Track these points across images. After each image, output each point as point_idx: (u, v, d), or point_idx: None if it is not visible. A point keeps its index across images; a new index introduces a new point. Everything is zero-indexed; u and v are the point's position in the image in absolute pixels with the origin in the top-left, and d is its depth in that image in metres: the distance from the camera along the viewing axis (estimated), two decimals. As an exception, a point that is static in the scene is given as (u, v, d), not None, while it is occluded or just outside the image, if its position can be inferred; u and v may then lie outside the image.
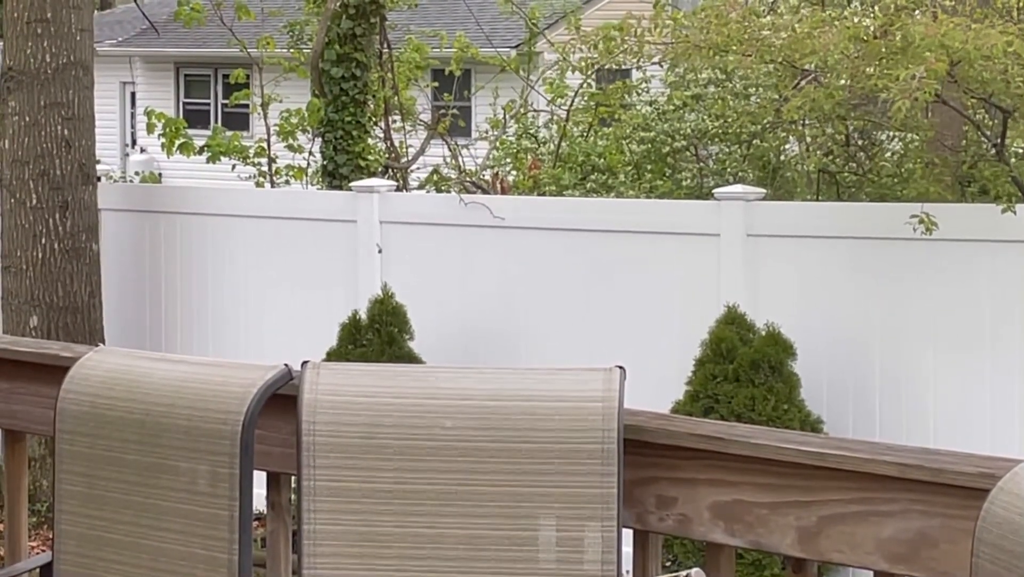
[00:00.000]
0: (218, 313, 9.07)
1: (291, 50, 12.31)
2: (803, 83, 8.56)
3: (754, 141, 10.40)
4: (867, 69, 7.38)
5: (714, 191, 8.16)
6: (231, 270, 9.03)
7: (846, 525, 2.81)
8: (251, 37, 12.20)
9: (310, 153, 11.15)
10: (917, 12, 8.05)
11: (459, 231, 8.36)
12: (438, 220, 8.48)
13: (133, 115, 23.95)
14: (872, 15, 8.19)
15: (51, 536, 3.24)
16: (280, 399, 3.08)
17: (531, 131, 12.08)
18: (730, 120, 10.42)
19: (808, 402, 7.07)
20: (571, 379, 3.01)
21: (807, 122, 9.72)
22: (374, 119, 10.96)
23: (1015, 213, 6.94)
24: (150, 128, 10.84)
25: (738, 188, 8.02)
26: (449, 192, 10.05)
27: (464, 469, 2.93)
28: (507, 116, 11.96)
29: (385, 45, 11.08)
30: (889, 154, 10.33)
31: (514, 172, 11.56)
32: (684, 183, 10.64)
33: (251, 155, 11.08)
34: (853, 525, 2.80)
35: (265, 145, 11.09)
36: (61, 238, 8.75)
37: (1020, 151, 9.10)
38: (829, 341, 7.32)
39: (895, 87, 6.73)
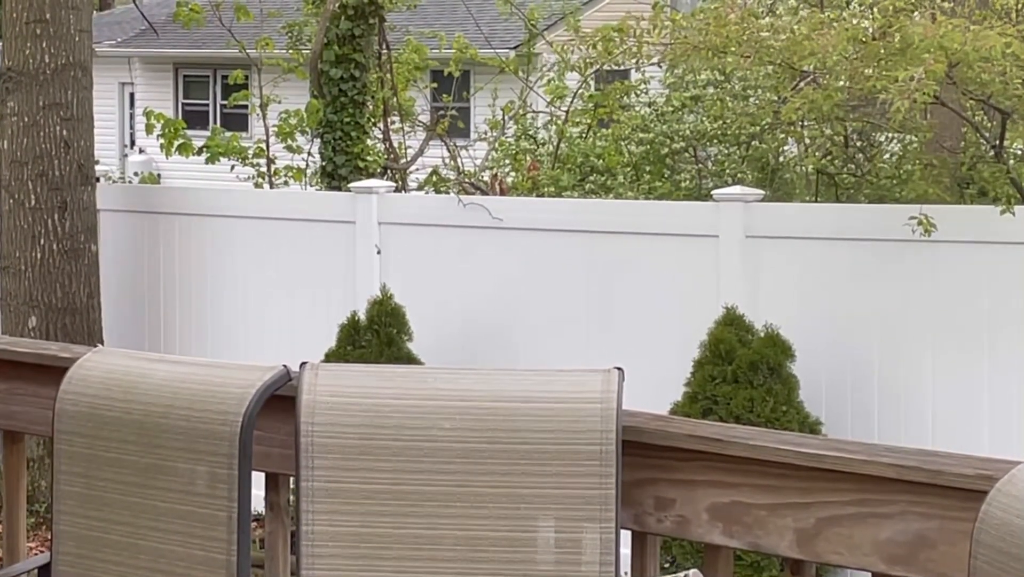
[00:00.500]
0: (217, 314, 9.07)
1: (290, 51, 12.31)
2: (802, 84, 8.56)
3: (753, 142, 10.40)
4: (866, 70, 7.38)
5: (713, 192, 8.16)
6: (230, 271, 9.03)
7: (844, 527, 2.81)
8: (250, 38, 12.20)
9: (309, 154, 11.15)
10: (916, 14, 8.06)
11: (458, 232, 8.36)
12: (437, 221, 8.47)
13: (132, 116, 23.95)
14: (871, 17, 8.18)
15: (49, 537, 3.23)
16: (279, 400, 3.08)
17: (530, 132, 12.08)
18: (729, 121, 10.43)
19: (807, 403, 7.07)
20: (569, 380, 3.02)
21: (806, 123, 9.72)
22: (373, 120, 10.96)
23: (1014, 214, 6.94)
24: (149, 129, 10.84)
25: (737, 189, 8.02)
26: (448, 193, 10.05)
27: (462, 470, 2.93)
28: (506, 117, 11.97)
29: (384, 46, 11.08)
30: (888, 155, 10.34)
31: (513, 173, 11.56)
32: (683, 184, 10.64)
33: (250, 156, 11.08)
34: (851, 527, 2.80)
35: (264, 146, 11.09)
36: (60, 239, 8.75)
37: (1019, 152, 9.10)
38: (828, 342, 7.32)
39: (894, 88, 6.73)
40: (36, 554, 4.15)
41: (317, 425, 2.97)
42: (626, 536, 3.00)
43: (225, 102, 15.65)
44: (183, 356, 6.93)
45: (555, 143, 11.41)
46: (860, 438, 6.83)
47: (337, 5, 10.50)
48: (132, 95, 23.71)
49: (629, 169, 10.86)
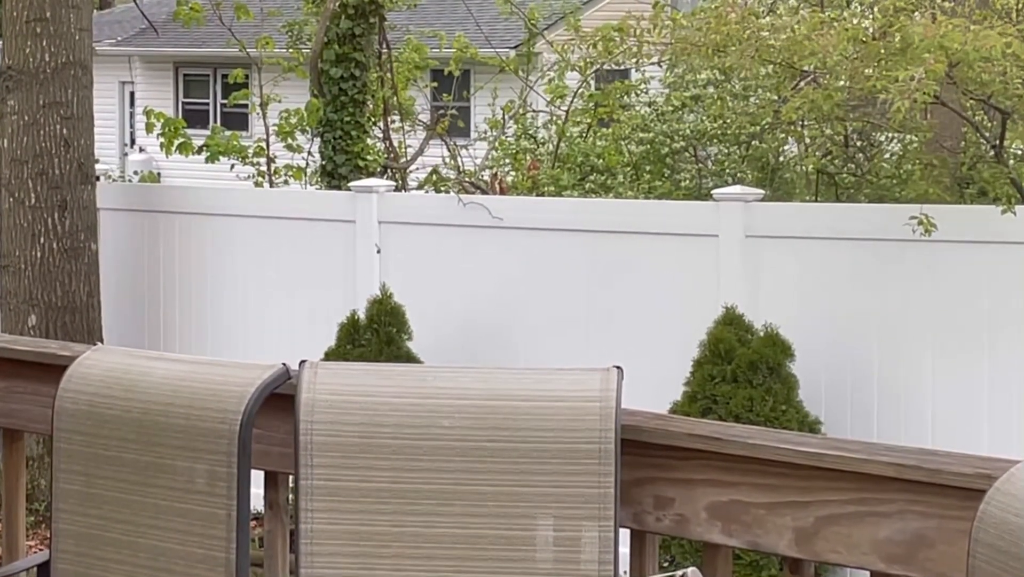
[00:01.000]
0: (216, 312, 9.07)
1: (290, 50, 12.32)
2: (802, 84, 8.56)
3: (753, 142, 10.40)
4: (866, 70, 7.38)
5: (713, 192, 8.16)
6: (229, 270, 9.03)
7: (843, 526, 2.81)
8: (250, 37, 12.20)
9: (309, 153, 11.15)
10: (916, 13, 8.06)
11: (458, 231, 8.36)
12: (437, 220, 8.47)
13: (132, 115, 23.95)
14: (871, 16, 8.19)
15: (49, 535, 3.23)
16: (278, 398, 3.08)
17: (530, 131, 12.08)
18: (729, 121, 10.43)
19: (806, 403, 7.07)
20: (569, 379, 3.02)
21: (806, 123, 9.73)
22: (373, 119, 10.96)
23: (1014, 214, 6.94)
24: (149, 128, 10.83)
25: (737, 189, 8.02)
26: (448, 192, 10.03)
27: (462, 468, 2.93)
28: (506, 116, 11.97)
29: (384, 45, 11.08)
30: (888, 155, 10.34)
31: (513, 172, 11.56)
32: (683, 184, 10.64)
33: (250, 155, 11.08)
34: (850, 526, 2.80)
35: (264, 145, 11.09)
36: (60, 237, 8.75)
37: (1019, 152, 9.10)
38: (827, 342, 7.31)
39: (894, 88, 6.73)
40: (36, 552, 4.15)
41: (316, 423, 2.97)
42: (625, 535, 2.99)
43: (225, 101, 15.66)
44: (182, 354, 6.94)
45: (555, 143, 11.41)
46: (859, 437, 6.83)
47: (337, 4, 10.50)
48: (132, 94, 23.71)
49: (629, 169, 10.86)
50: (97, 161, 9.47)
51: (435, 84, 13.20)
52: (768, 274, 7.46)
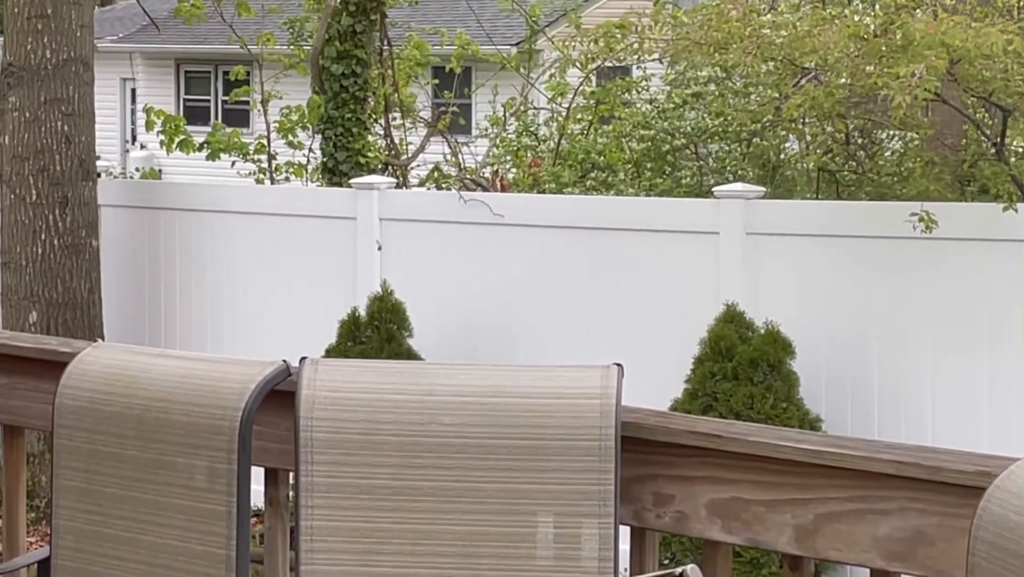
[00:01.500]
0: (217, 309, 9.07)
1: (291, 47, 12.32)
2: (803, 81, 8.56)
3: (754, 139, 10.41)
4: (867, 67, 7.38)
5: (714, 189, 8.16)
6: (230, 267, 9.03)
7: (843, 523, 2.81)
8: (251, 34, 12.20)
9: (310, 150, 11.15)
10: (918, 11, 8.05)
11: (459, 228, 8.36)
12: (438, 217, 8.47)
13: (133, 111, 23.95)
14: (872, 13, 8.19)
15: (49, 532, 3.24)
16: (278, 395, 3.08)
17: (531, 129, 12.08)
18: (730, 118, 10.43)
19: (807, 401, 7.07)
20: (569, 376, 3.02)
21: (807, 120, 9.72)
22: (374, 116, 10.96)
23: (1016, 212, 6.94)
24: (149, 125, 10.83)
25: (738, 186, 8.03)
26: (449, 189, 10.03)
27: (462, 465, 2.93)
28: (507, 113, 11.97)
29: (385, 42, 11.07)
30: (889, 153, 10.34)
31: (514, 170, 11.56)
32: (684, 181, 10.64)
33: (251, 152, 11.08)
34: (850, 523, 2.80)
35: (265, 142, 11.09)
36: (61, 234, 8.75)
37: (1020, 150, 9.10)
38: (828, 340, 7.32)
39: (895, 85, 6.73)
40: (36, 549, 4.15)
41: (317, 420, 2.97)
42: (625, 532, 2.99)
43: (226, 98, 15.69)
44: (183, 351, 6.95)
45: (556, 140, 11.41)
46: (860, 435, 6.83)
47: (338, 1, 10.49)
48: (134, 91, 23.71)
49: (630, 166, 10.86)
50: (98, 158, 9.48)
51: (436, 81, 13.20)
52: (769, 272, 7.46)
